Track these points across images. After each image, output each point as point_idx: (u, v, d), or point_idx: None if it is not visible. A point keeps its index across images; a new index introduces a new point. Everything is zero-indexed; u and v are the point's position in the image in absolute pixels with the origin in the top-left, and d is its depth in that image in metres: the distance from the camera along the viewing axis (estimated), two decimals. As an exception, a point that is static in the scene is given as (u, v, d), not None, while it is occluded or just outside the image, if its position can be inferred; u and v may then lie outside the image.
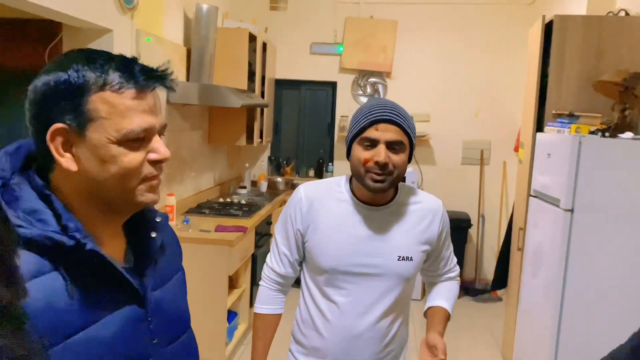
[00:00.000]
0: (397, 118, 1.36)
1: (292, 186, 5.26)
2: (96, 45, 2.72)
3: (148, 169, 0.84)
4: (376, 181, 1.37)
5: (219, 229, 3.35)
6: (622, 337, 1.11)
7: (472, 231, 5.17)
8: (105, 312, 0.82)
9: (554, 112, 2.96)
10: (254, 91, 4.41)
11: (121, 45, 2.82)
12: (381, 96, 5.25)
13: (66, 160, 0.80)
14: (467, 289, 5.04)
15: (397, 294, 1.47)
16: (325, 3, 5.21)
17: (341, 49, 5.21)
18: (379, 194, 1.44)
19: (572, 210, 2.48)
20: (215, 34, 3.74)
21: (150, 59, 3.15)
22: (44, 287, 0.74)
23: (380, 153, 1.35)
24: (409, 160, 1.43)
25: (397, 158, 1.37)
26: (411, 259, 1.46)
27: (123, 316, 0.84)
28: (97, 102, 0.79)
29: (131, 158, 0.81)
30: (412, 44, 5.18)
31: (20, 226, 0.74)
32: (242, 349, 3.69)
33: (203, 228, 3.36)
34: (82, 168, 0.81)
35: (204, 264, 3.17)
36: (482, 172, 5.23)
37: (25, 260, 0.68)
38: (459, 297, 5.39)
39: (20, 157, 0.83)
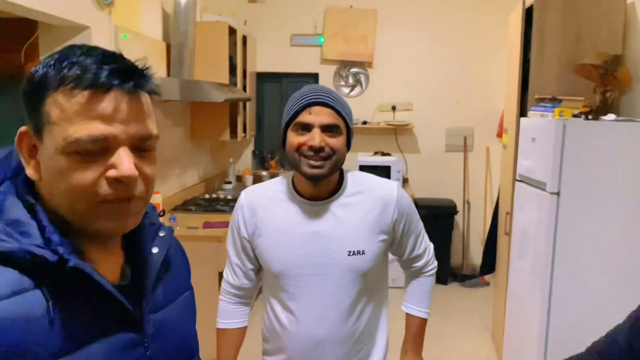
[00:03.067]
0: (331, 101, 1.30)
1: (278, 179, 5.24)
2: (73, 42, 2.65)
3: (105, 189, 0.68)
4: (313, 167, 1.29)
5: (207, 225, 3.33)
6: (610, 318, 1.12)
7: (458, 217, 5.20)
8: (93, 338, 0.70)
9: (536, 96, 2.98)
10: (235, 85, 4.37)
11: (99, 42, 2.76)
12: (363, 87, 5.24)
13: (29, 168, 0.71)
14: (455, 275, 5.08)
15: (355, 291, 1.38)
16: (304, -6, 5.18)
17: (322, 40, 5.18)
18: (322, 185, 1.36)
19: (558, 194, 2.50)
20: (194, 29, 3.68)
21: (128, 56, 3.10)
22: (21, 306, 0.63)
23: (315, 137, 1.28)
24: (348, 147, 1.36)
25: (334, 141, 1.30)
26: (363, 253, 1.36)
27: (113, 343, 0.73)
28: (50, 103, 0.67)
29: (79, 174, 0.67)
30: (392, 33, 5.17)
31: None
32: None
33: (190, 225, 3.32)
34: (43, 179, 0.70)
35: (193, 261, 3.08)
36: (465, 158, 5.27)
37: (2, 275, 0.63)
38: (447, 283, 5.27)
39: (10, 163, 0.74)
